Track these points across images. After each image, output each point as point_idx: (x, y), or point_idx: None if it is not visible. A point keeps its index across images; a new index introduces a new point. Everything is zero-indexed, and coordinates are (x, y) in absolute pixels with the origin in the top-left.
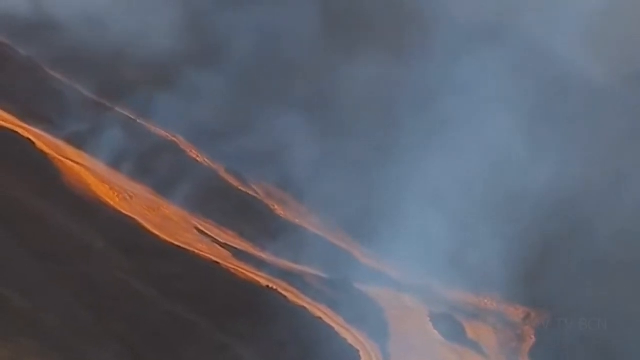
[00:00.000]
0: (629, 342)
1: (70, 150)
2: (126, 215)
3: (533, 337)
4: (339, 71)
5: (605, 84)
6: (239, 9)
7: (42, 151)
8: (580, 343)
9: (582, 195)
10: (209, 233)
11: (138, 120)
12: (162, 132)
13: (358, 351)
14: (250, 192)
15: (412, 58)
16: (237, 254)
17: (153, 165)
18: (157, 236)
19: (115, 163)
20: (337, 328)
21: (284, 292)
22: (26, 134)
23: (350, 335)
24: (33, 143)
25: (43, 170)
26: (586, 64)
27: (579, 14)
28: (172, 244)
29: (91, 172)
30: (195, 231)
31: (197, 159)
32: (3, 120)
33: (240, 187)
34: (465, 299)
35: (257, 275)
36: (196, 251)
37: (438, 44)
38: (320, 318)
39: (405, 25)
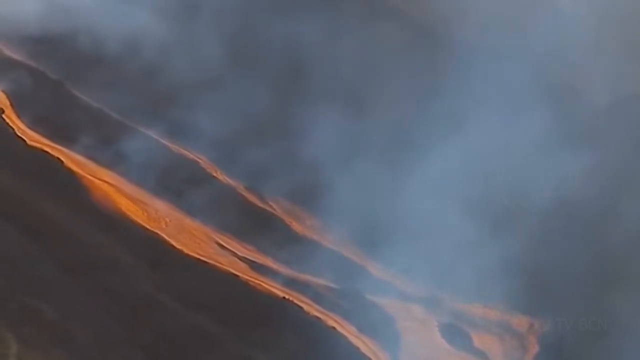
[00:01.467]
0: (629, 343)
1: (97, 169)
2: (151, 231)
3: (536, 346)
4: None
5: (608, 99)
6: (263, 25)
7: (70, 170)
8: (581, 346)
9: (583, 199)
10: (229, 247)
11: (162, 140)
12: (185, 152)
13: (370, 359)
14: (268, 209)
15: (422, 74)
16: (255, 267)
17: (176, 183)
18: (179, 250)
19: (140, 181)
20: (350, 337)
21: (299, 303)
22: (56, 154)
23: (362, 344)
24: (62, 162)
25: (72, 187)
26: (590, 81)
27: (583, 37)
28: (194, 257)
29: (117, 189)
30: (215, 245)
31: (218, 177)
32: (34, 141)
33: (258, 204)
34: (472, 309)
35: (274, 287)
36: (217, 264)
37: (447, 61)
38: (334, 328)
39: (418, 40)
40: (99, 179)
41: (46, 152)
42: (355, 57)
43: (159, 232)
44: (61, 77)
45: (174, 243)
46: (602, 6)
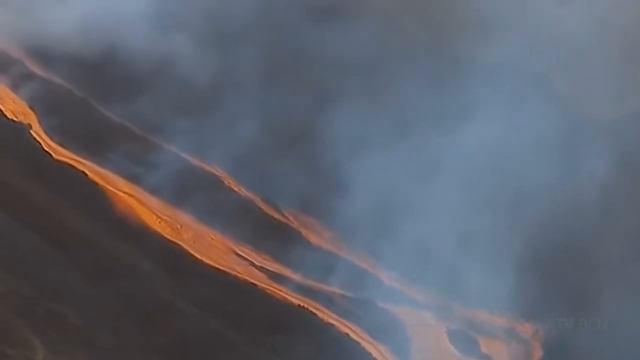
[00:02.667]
0: (631, 343)
1: (119, 182)
2: (170, 240)
3: (540, 351)
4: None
5: (604, 117)
6: (283, 44)
7: (94, 182)
8: (584, 352)
9: (585, 203)
10: (246, 257)
11: (182, 154)
12: (204, 165)
13: None
14: (284, 220)
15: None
16: (272, 275)
17: (195, 195)
18: (198, 259)
19: (161, 193)
20: (362, 343)
21: (314, 311)
22: (80, 167)
23: (374, 349)
24: (86, 175)
25: (95, 199)
26: (592, 92)
27: (584, 47)
28: (213, 266)
29: (138, 201)
30: (233, 255)
31: (235, 189)
32: (59, 155)
33: (275, 215)
34: (479, 316)
35: (290, 295)
36: (234, 273)
37: (450, 76)
38: (347, 334)
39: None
40: (122, 191)
41: (71, 165)
42: (374, 69)
43: (179, 242)
44: (86, 93)
45: (192, 252)
46: (604, 16)
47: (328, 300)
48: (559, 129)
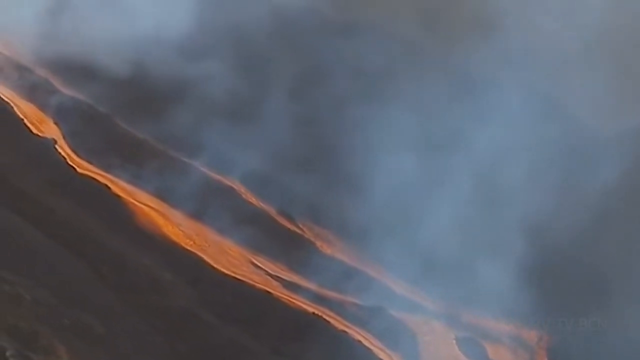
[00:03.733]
0: (631, 343)
1: (141, 195)
2: (190, 251)
3: (545, 358)
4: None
5: (602, 134)
6: (299, 65)
7: (117, 195)
8: (586, 356)
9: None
10: (262, 266)
11: (201, 169)
12: (221, 178)
13: None
14: (299, 231)
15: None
16: (287, 284)
17: (213, 207)
18: (216, 269)
19: (182, 206)
20: (374, 350)
21: (327, 319)
22: (103, 180)
23: (386, 356)
24: (109, 188)
25: (118, 211)
26: (586, 115)
27: (581, 71)
28: (230, 275)
29: (160, 213)
30: (250, 265)
31: (252, 201)
32: (83, 169)
33: (289, 227)
34: (486, 323)
35: (304, 303)
36: (251, 282)
37: (457, 84)
38: (359, 341)
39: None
40: (144, 204)
41: (94, 179)
42: (383, 78)
43: (198, 253)
44: (109, 110)
45: (212, 263)
46: (603, 27)
47: (341, 308)
48: (560, 133)
